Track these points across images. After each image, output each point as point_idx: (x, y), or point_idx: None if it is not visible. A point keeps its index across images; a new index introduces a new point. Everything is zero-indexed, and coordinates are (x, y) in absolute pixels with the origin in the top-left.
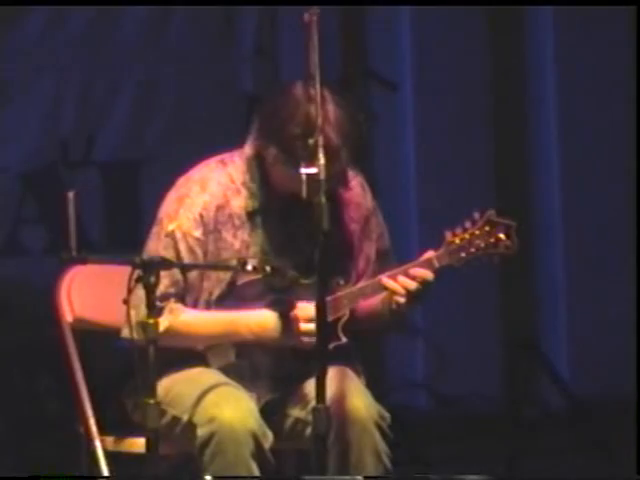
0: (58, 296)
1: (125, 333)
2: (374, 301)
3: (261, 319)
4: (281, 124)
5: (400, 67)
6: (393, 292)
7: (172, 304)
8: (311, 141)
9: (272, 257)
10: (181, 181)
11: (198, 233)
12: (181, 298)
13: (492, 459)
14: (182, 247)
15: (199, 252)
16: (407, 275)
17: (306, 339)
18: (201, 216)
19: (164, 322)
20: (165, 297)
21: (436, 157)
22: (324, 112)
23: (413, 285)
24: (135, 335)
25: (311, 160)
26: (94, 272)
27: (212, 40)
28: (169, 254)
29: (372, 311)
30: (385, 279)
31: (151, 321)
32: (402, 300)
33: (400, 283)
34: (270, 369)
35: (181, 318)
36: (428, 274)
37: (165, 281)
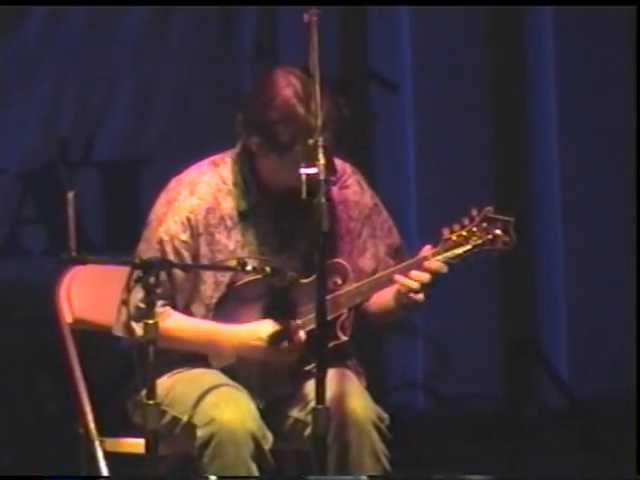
0: (58, 297)
1: (116, 329)
2: (386, 297)
3: (244, 334)
4: (260, 111)
5: (400, 67)
6: (407, 288)
7: (158, 308)
8: (311, 141)
9: (267, 256)
10: (172, 184)
11: (185, 236)
12: (169, 299)
13: (492, 459)
14: (169, 249)
15: (186, 255)
16: (419, 269)
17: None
18: (188, 219)
19: None
20: None
21: (436, 157)
22: (306, 94)
23: (427, 277)
24: (121, 333)
25: (294, 145)
26: (94, 273)
27: (212, 40)
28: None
29: (385, 308)
30: (397, 276)
31: (151, 321)
32: (420, 297)
33: (413, 277)
34: (276, 369)
35: (165, 323)
36: (443, 267)
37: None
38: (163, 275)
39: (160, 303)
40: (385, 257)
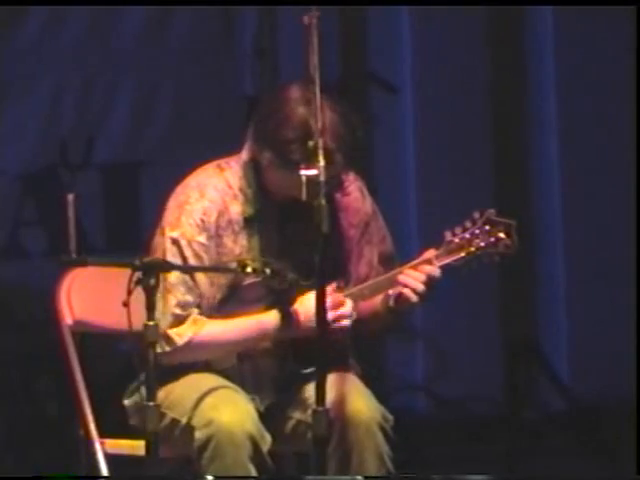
0: (58, 299)
1: (160, 347)
2: (373, 302)
3: (272, 318)
4: (275, 128)
5: (400, 69)
6: (406, 288)
7: (196, 315)
8: (311, 143)
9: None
10: (179, 189)
11: (202, 238)
12: (199, 307)
13: (492, 461)
14: (188, 254)
15: (205, 257)
16: (415, 270)
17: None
18: (202, 221)
19: (187, 333)
20: (186, 305)
21: (436, 158)
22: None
23: (422, 277)
24: (164, 347)
25: (306, 164)
26: (94, 275)
27: (212, 40)
28: (176, 262)
29: (371, 311)
30: (400, 276)
31: (151, 323)
32: (415, 298)
33: (411, 276)
34: (272, 372)
35: (205, 329)
36: (434, 270)
37: (181, 288)
38: (190, 281)
39: (196, 312)
40: (377, 264)
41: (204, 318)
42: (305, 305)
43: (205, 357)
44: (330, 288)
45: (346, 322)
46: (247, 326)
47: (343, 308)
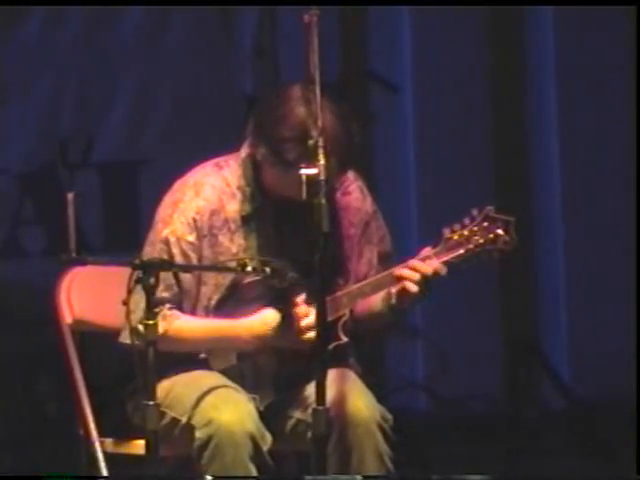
0: (58, 298)
1: (123, 337)
2: (374, 300)
3: (254, 325)
4: (273, 124)
5: (400, 68)
6: (407, 279)
7: (166, 310)
8: (311, 142)
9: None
10: (176, 185)
11: (192, 237)
12: (177, 303)
13: (492, 460)
14: (176, 251)
15: (193, 256)
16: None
17: (307, 335)
18: (194, 220)
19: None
20: (159, 302)
21: (436, 157)
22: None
23: (429, 269)
24: (133, 340)
25: (301, 164)
26: (94, 273)
27: (212, 40)
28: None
29: (372, 310)
30: (398, 269)
31: (150, 322)
32: (414, 289)
33: (413, 268)
34: (272, 371)
35: (174, 325)
36: (442, 268)
37: (159, 286)
38: (171, 279)
39: (167, 306)
40: (377, 263)
41: (176, 313)
42: (263, 321)
43: (174, 350)
44: (299, 299)
45: (310, 334)
46: (213, 330)
47: (307, 319)
